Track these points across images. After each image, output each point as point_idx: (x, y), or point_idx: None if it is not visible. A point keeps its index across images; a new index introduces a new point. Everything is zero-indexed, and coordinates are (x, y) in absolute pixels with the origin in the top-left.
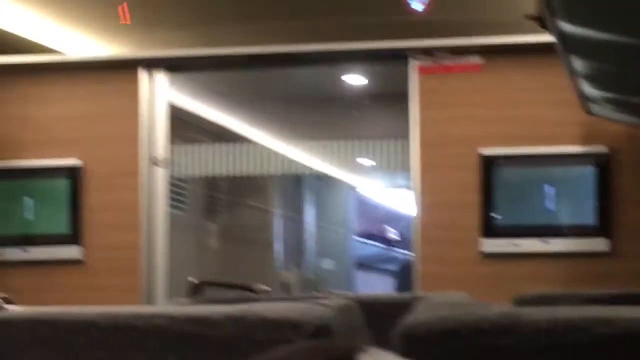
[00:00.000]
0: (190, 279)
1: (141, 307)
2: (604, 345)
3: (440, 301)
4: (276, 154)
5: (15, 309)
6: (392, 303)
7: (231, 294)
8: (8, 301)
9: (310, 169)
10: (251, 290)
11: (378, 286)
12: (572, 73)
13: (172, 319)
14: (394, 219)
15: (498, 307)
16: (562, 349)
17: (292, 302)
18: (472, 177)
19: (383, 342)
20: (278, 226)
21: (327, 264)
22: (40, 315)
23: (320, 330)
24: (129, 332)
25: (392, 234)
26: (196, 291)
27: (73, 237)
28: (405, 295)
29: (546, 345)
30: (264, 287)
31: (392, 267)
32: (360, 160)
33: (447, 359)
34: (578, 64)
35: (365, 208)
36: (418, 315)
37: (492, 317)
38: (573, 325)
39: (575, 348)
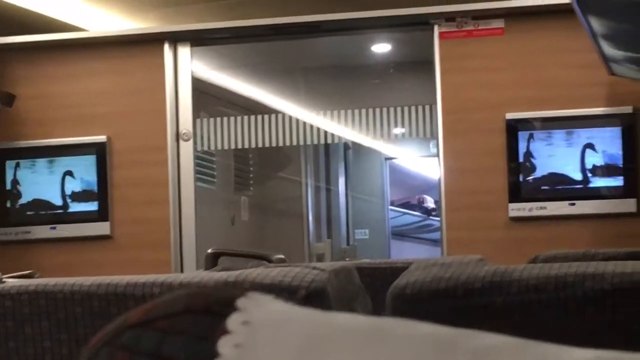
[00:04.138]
0: (209, 250)
1: (139, 276)
2: (594, 301)
3: (434, 262)
4: (305, 124)
5: (15, 282)
6: (397, 268)
7: (248, 263)
8: (33, 277)
9: (341, 138)
10: (267, 259)
11: (415, 255)
12: (592, 34)
13: (169, 287)
14: (431, 187)
15: (492, 266)
16: (552, 305)
17: (290, 267)
18: (498, 142)
19: (381, 305)
20: (310, 197)
21: (362, 234)
22: (38, 286)
23: (314, 294)
24: (127, 301)
25: (430, 202)
26: (213, 262)
27: (101, 213)
28: (409, 260)
29: (537, 301)
30: (280, 256)
31: (430, 235)
32: (393, 129)
33: (437, 319)
34: (596, 24)
35: (402, 177)
36: (409, 276)
37: (483, 276)
38: (563, 282)
39: (565, 304)
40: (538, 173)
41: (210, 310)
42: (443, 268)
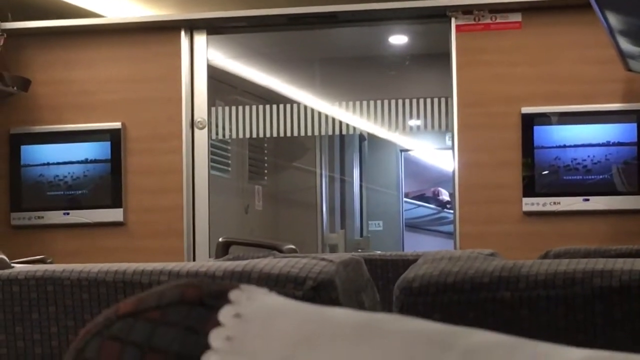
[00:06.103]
0: (220, 239)
1: (146, 264)
2: (602, 297)
3: (442, 255)
4: (321, 114)
5: (23, 267)
6: (407, 260)
7: (259, 253)
8: (45, 262)
9: (357, 129)
10: (278, 249)
11: (428, 247)
12: (609, 29)
13: (176, 276)
14: (446, 180)
15: (501, 261)
16: (560, 301)
17: (298, 258)
18: (513, 136)
19: (390, 297)
20: (324, 188)
21: (376, 225)
22: (46, 272)
23: (321, 285)
24: (134, 288)
25: (445, 195)
26: (224, 251)
27: (115, 200)
28: (421, 252)
29: (545, 297)
30: (291, 246)
31: (444, 228)
32: (408, 121)
33: (445, 312)
34: (613, 19)
35: (417, 169)
36: (417, 269)
37: (491, 270)
38: (571, 278)
39: (573, 300)
40: (552, 168)
41: (202, 302)
42: (451, 262)
